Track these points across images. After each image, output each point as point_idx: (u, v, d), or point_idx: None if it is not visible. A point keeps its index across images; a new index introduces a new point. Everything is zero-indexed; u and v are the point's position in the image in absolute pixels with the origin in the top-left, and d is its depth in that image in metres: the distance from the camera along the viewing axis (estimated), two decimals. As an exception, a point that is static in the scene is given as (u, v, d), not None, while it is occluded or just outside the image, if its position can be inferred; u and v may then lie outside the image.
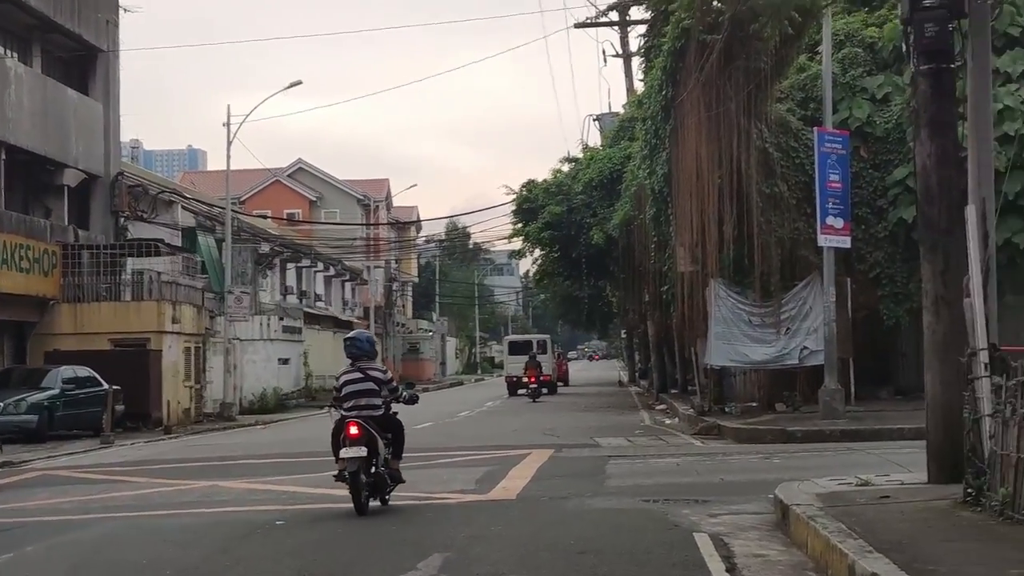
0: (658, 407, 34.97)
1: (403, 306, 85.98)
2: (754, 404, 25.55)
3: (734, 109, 23.32)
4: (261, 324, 44.36)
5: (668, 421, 28.08)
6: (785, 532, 10.17)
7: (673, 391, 39.64)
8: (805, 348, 24.44)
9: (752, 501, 12.20)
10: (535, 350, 49.28)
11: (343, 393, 12.53)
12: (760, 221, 24.06)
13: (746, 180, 23.71)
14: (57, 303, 32.88)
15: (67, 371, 29.11)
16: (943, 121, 11.20)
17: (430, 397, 54.15)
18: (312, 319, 57.38)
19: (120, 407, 29.65)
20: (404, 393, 13.15)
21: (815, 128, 23.40)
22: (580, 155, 45.98)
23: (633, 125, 38.75)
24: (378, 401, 12.50)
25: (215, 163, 60.06)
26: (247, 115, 38.00)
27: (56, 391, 28.15)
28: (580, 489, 13.90)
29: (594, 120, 51.13)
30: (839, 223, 22.71)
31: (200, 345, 36.25)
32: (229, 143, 37.58)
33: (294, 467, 18.67)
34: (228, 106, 37.58)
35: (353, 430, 12.00)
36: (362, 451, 11.90)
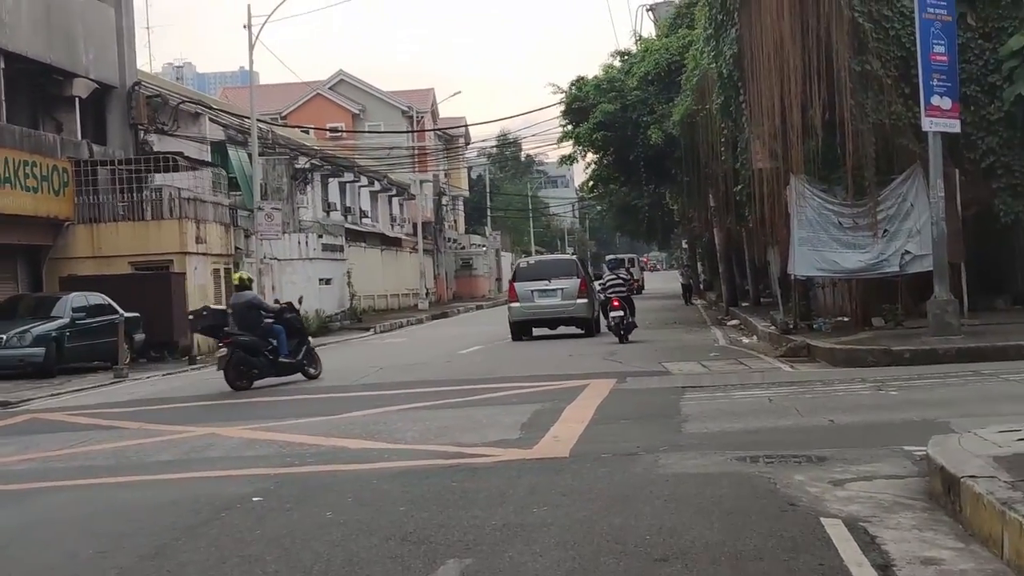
0: (730, 323, 31.80)
1: (454, 221, 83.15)
2: (846, 319, 22.27)
3: (819, -30, 19.79)
4: (299, 243, 41.64)
5: (746, 340, 24.89)
6: (952, 514, 7.10)
7: (744, 304, 36.56)
8: (907, 253, 20.92)
9: (884, 458, 9.15)
10: (627, 265, 63.03)
11: (607, 286, 25.90)
12: (851, 105, 20.49)
13: (836, 56, 20.17)
14: (72, 224, 30.29)
15: (78, 298, 26.56)
16: None
17: (482, 316, 51.40)
18: (358, 236, 54.67)
19: (140, 336, 27.30)
20: (635, 291, 26.49)
21: (914, -9, 19.78)
22: (633, 48, 42.27)
23: (691, 12, 35.17)
24: (624, 289, 25.93)
25: (265, 82, 57.06)
26: (268, 15, 34.94)
27: (65, 320, 25.64)
28: (651, 439, 10.85)
29: (648, 10, 47.36)
30: (946, 103, 19.21)
31: (231, 266, 33.63)
32: (251, 46, 34.56)
33: (312, 407, 15.96)
34: (248, 6, 34.35)
35: (615, 303, 25.23)
36: (620, 313, 25.06)
